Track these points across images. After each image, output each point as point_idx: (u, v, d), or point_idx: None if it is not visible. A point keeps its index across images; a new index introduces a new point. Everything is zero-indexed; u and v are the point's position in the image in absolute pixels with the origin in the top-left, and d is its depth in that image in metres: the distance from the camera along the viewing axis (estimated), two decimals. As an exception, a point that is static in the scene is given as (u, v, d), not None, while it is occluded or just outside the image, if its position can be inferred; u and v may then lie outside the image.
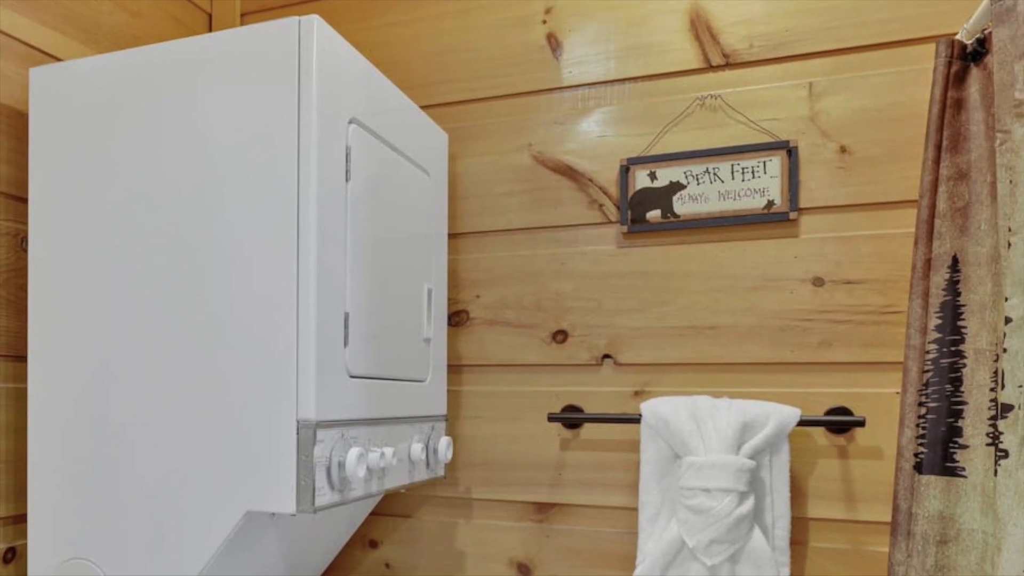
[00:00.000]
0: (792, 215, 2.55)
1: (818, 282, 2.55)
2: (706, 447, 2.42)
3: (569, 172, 2.82)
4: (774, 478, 2.46)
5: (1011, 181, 1.56)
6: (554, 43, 2.83)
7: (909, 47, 2.49)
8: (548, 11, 2.84)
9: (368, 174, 2.24)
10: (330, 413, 2.05)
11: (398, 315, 2.47)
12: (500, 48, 2.91)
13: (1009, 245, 1.56)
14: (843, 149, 2.53)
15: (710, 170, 2.63)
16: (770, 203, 2.56)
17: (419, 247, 2.62)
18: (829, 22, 2.54)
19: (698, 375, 2.69)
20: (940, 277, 2.14)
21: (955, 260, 2.13)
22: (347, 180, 2.14)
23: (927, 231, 2.16)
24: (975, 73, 2.11)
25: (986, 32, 2.03)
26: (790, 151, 2.55)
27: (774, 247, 2.60)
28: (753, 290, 2.62)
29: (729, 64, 2.65)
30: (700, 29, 2.67)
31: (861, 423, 2.46)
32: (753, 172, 2.59)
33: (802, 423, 2.46)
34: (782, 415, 2.44)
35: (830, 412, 2.54)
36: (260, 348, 2.04)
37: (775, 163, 2.56)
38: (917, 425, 2.16)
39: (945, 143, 2.15)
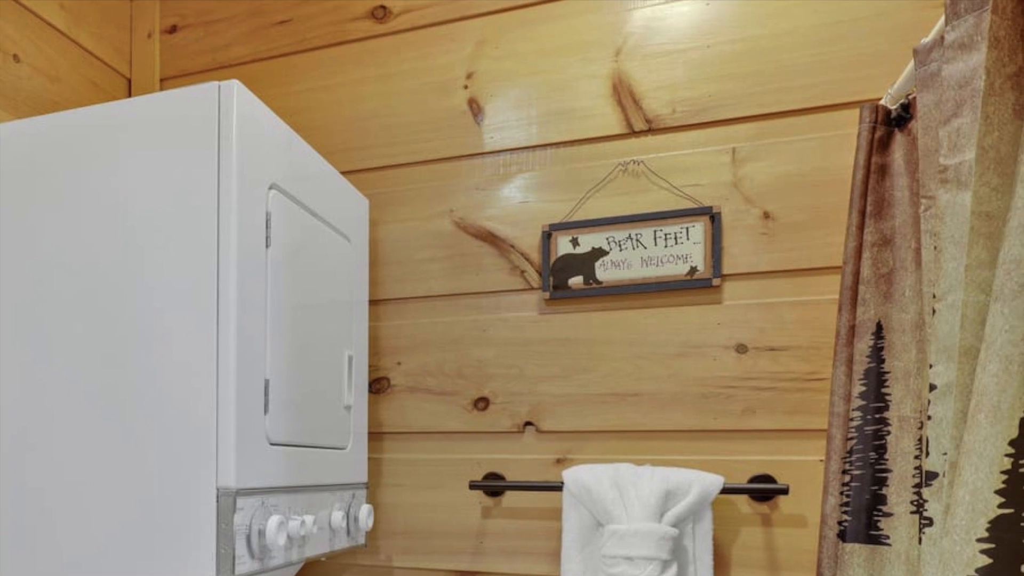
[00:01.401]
0: (715, 281, 2.55)
1: (741, 349, 2.55)
2: (628, 515, 2.41)
3: (491, 238, 2.82)
4: (697, 546, 2.45)
5: (936, 247, 1.56)
6: (476, 108, 2.83)
7: (833, 112, 2.51)
8: (470, 76, 2.85)
9: (288, 240, 2.22)
10: (250, 481, 2.02)
11: (318, 382, 2.44)
12: (421, 113, 2.91)
13: (934, 312, 1.56)
14: (766, 215, 2.54)
15: (632, 236, 2.63)
16: (693, 269, 2.57)
17: (340, 313, 2.60)
18: (752, 87, 2.56)
19: (621, 442, 2.68)
20: (864, 344, 2.15)
21: (879, 327, 2.14)
22: (267, 246, 2.12)
23: (851, 297, 2.17)
24: (899, 138, 2.13)
25: (910, 97, 2.04)
26: (713, 217, 2.55)
27: (697, 313, 2.60)
28: (676, 357, 2.62)
29: (652, 129, 2.66)
30: (623, 94, 2.68)
31: (785, 491, 2.46)
32: (676, 238, 2.59)
33: (725, 491, 2.45)
34: (705, 483, 2.43)
35: (753, 480, 2.54)
36: (180, 415, 2.01)
37: (698, 229, 2.57)
38: (841, 493, 2.15)
39: (869, 209, 2.16)
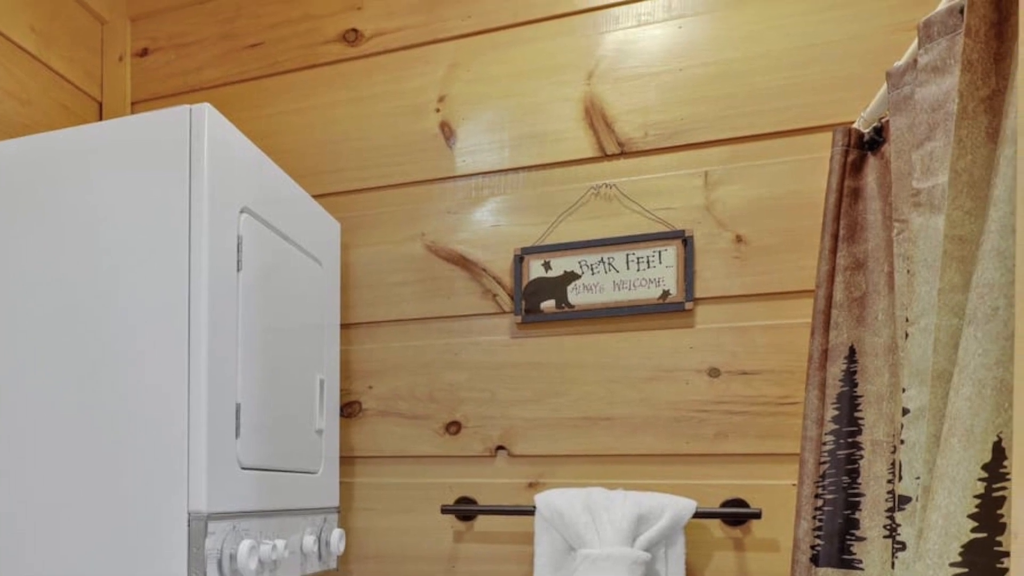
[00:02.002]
0: (687, 305, 2.57)
1: (714, 373, 2.57)
2: (601, 539, 2.43)
3: (462, 262, 2.84)
4: (670, 571, 2.47)
5: (908, 271, 1.57)
6: (447, 131, 2.85)
7: (806, 135, 2.54)
8: (441, 99, 2.86)
9: (260, 264, 2.22)
10: (221, 505, 2.02)
11: (290, 406, 2.44)
12: (393, 136, 2.92)
13: (907, 335, 1.57)
14: (739, 238, 2.56)
15: (605, 260, 2.65)
16: (665, 293, 2.58)
17: (311, 337, 2.60)
18: (725, 110, 2.58)
19: (593, 466, 2.69)
20: (837, 368, 2.16)
21: (852, 350, 2.16)
22: (238, 270, 2.12)
23: (824, 321, 2.19)
24: (872, 162, 2.15)
25: (883, 121, 2.06)
26: (685, 240, 2.57)
27: (669, 337, 2.62)
28: (648, 381, 2.63)
29: (624, 153, 2.68)
30: (595, 117, 2.70)
31: (757, 515, 2.48)
32: (648, 262, 2.61)
33: (698, 515, 2.48)
34: (678, 507, 2.44)
35: (726, 504, 2.55)
36: (152, 439, 2.00)
37: (670, 252, 2.59)
38: (814, 517, 2.16)
39: (842, 232, 2.18)
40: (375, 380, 2.88)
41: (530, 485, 2.75)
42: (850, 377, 2.15)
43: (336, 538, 2.60)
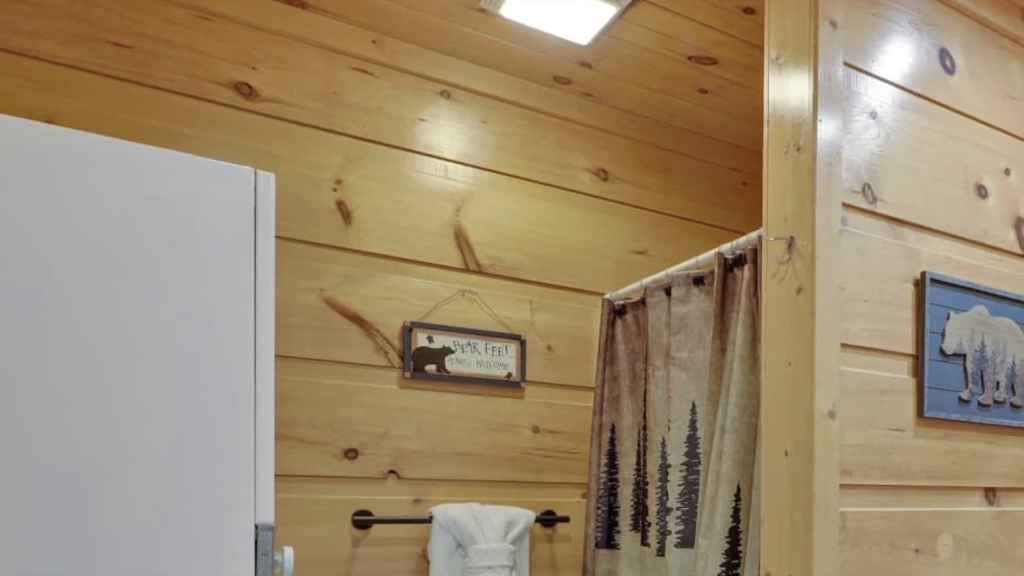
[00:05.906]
0: (522, 384, 3.63)
1: (536, 429, 3.66)
2: (485, 538, 3.33)
3: (358, 320, 3.30)
4: (519, 558, 3.47)
5: (668, 395, 2.42)
6: (344, 210, 3.30)
7: (587, 295, 3.79)
8: (339, 182, 3.28)
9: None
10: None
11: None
12: (292, 199, 3.20)
13: (669, 428, 2.46)
14: (550, 348, 3.71)
15: (471, 343, 3.50)
16: (509, 374, 3.59)
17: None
18: (541, 264, 3.74)
19: (462, 487, 3.48)
20: (605, 435, 3.53)
21: (613, 426, 3.52)
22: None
23: (599, 406, 3.53)
24: (619, 321, 3.56)
25: (627, 301, 3.52)
26: (522, 342, 3.62)
27: (510, 404, 3.60)
28: (497, 431, 3.56)
29: (481, 271, 3.55)
30: (462, 241, 3.52)
31: (566, 519, 3.66)
32: (498, 351, 3.56)
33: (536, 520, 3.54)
34: (527, 515, 3.49)
35: (544, 513, 3.65)
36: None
37: (512, 348, 3.60)
38: (595, 520, 3.49)
39: (607, 357, 3.53)
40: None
41: (416, 501, 3.36)
42: (612, 441, 3.51)
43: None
